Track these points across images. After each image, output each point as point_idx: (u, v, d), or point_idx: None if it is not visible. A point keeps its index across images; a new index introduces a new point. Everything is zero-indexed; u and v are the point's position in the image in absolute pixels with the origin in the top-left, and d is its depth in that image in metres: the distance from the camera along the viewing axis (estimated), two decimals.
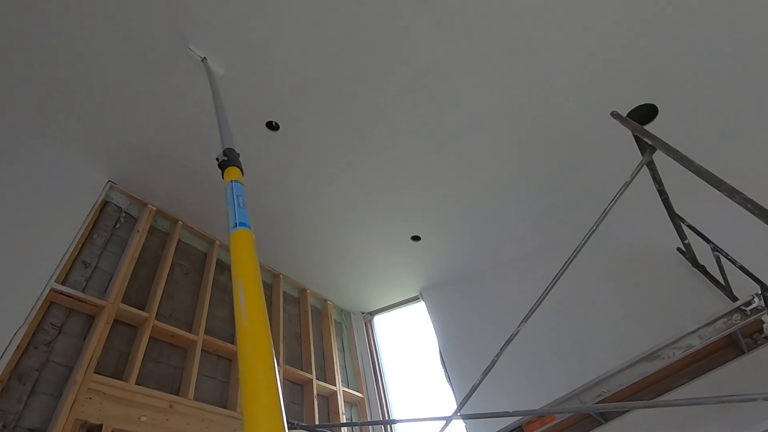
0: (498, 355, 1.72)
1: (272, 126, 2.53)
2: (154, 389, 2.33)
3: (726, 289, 2.17)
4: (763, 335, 1.95)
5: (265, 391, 0.62)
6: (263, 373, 0.64)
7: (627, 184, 1.65)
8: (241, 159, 1.39)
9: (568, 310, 2.99)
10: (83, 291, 2.42)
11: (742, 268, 1.84)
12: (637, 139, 1.71)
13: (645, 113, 2.32)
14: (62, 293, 2.24)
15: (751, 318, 1.74)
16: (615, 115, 1.81)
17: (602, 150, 2.58)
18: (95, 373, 2.12)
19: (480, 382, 1.76)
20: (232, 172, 1.20)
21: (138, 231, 2.88)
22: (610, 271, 2.99)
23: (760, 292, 1.69)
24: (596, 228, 1.76)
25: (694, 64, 2.17)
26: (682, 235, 2.11)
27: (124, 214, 3.01)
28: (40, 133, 2.55)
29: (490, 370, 1.72)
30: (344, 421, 3.35)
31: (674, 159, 1.63)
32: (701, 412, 2.26)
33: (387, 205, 3.13)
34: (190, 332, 2.75)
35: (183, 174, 2.93)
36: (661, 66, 2.18)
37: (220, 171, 1.23)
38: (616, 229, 3.03)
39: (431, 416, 2.07)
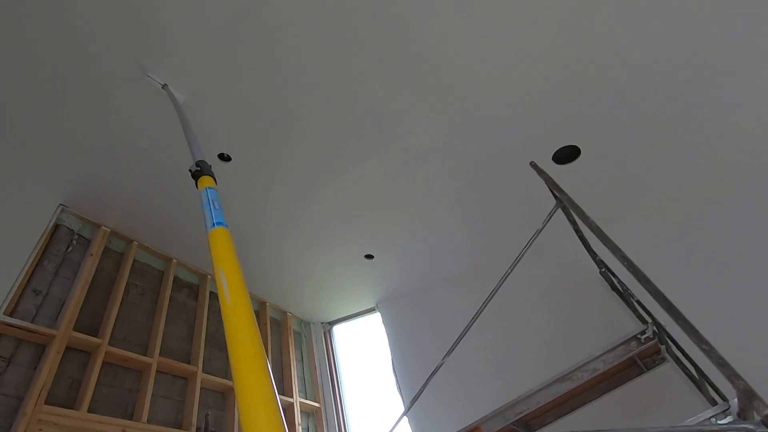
0: (424, 385, 1.90)
1: (224, 157, 2.61)
2: (108, 414, 2.41)
3: (636, 312, 2.43)
4: (660, 356, 2.22)
5: (253, 356, 0.72)
6: (251, 340, 0.74)
7: (538, 232, 1.85)
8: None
9: (506, 327, 3.24)
10: (33, 320, 2.45)
11: (638, 302, 2.09)
12: (550, 189, 1.92)
13: (570, 153, 2.55)
14: (10, 325, 2.27)
15: (645, 345, 2.00)
16: (533, 165, 2.01)
17: (533, 181, 2.80)
18: (46, 403, 2.17)
19: (409, 408, 1.94)
20: (206, 180, 1.29)
21: (91, 255, 2.90)
22: (543, 290, 3.25)
23: (651, 323, 1.95)
24: (516, 264, 1.97)
25: (610, 110, 2.41)
26: (599, 266, 2.35)
27: (76, 237, 3.02)
28: None
29: (418, 398, 1.91)
30: (300, 431, 3.50)
31: (575, 214, 1.84)
32: (614, 420, 2.55)
33: (341, 227, 3.27)
34: (144, 355, 2.82)
35: (137, 195, 2.96)
36: (581, 113, 2.42)
37: (189, 183, 1.36)
38: (549, 251, 3.28)
39: None
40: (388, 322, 3.98)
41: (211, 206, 1.12)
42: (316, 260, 3.63)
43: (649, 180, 2.83)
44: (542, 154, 2.59)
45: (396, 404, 3.62)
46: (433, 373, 1.86)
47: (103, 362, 2.57)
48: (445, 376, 3.43)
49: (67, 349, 2.48)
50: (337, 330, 4.57)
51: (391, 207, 3.04)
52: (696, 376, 2.26)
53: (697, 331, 1.11)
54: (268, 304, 4.09)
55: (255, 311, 4.05)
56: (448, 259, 3.55)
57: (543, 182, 2.70)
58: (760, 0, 1.99)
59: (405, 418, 3.44)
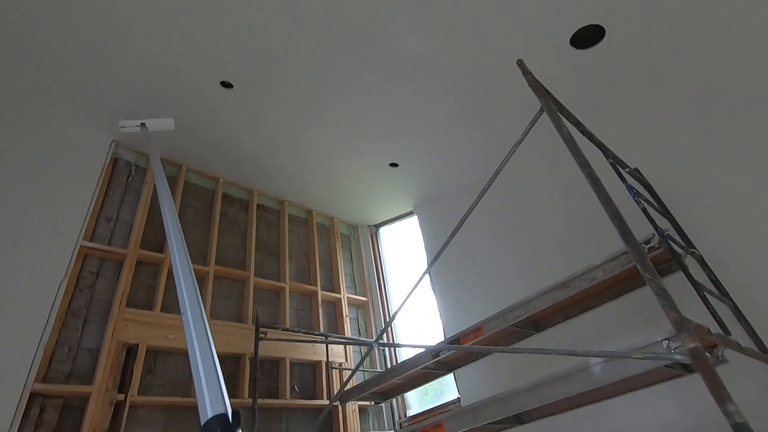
0: (409, 294, 2.04)
1: (226, 84, 2.67)
2: (176, 313, 2.98)
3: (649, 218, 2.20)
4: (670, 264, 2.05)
5: None
6: None
7: (518, 143, 1.69)
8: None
9: (529, 228, 3.17)
10: (109, 242, 2.98)
11: (644, 211, 1.87)
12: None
13: (592, 33, 2.12)
14: (91, 248, 2.80)
15: (649, 255, 1.85)
16: (520, 63, 1.73)
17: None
18: (127, 306, 2.76)
19: (396, 314, 2.13)
20: None
21: (146, 183, 3.33)
22: (565, 190, 3.02)
23: (656, 232, 1.77)
24: (496, 176, 1.87)
25: None
26: (614, 168, 2.10)
27: (134, 167, 3.44)
28: (46, 100, 2.89)
29: (402, 308, 2.07)
30: (349, 321, 4.00)
31: (565, 119, 1.63)
32: (623, 325, 2.51)
33: (366, 137, 3.27)
34: (204, 265, 3.32)
35: (180, 125, 3.18)
36: None
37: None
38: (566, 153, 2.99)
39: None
40: (423, 224, 4.09)
41: None
42: (349, 168, 3.74)
43: (689, 68, 2.28)
44: (559, 37, 2.19)
45: (430, 298, 3.89)
46: (417, 283, 1.97)
47: (169, 272, 3.10)
48: (475, 272, 3.55)
49: (139, 263, 3.02)
50: (384, 231, 4.83)
51: (400, 118, 2.95)
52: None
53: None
54: (314, 212, 4.41)
55: (303, 219, 4.39)
56: (468, 167, 3.41)
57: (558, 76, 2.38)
58: None
59: (437, 309, 3.72)
